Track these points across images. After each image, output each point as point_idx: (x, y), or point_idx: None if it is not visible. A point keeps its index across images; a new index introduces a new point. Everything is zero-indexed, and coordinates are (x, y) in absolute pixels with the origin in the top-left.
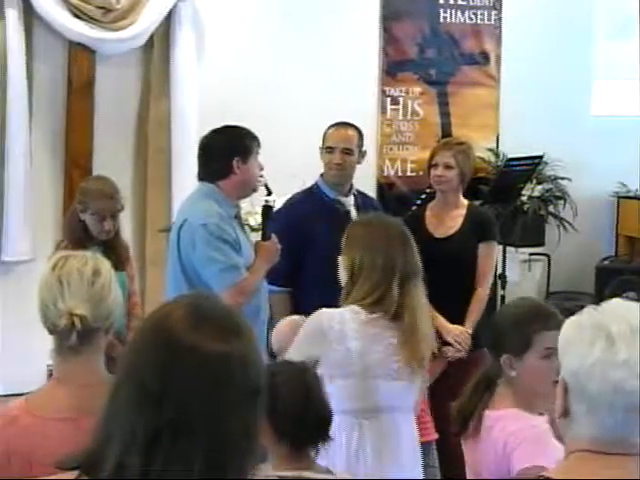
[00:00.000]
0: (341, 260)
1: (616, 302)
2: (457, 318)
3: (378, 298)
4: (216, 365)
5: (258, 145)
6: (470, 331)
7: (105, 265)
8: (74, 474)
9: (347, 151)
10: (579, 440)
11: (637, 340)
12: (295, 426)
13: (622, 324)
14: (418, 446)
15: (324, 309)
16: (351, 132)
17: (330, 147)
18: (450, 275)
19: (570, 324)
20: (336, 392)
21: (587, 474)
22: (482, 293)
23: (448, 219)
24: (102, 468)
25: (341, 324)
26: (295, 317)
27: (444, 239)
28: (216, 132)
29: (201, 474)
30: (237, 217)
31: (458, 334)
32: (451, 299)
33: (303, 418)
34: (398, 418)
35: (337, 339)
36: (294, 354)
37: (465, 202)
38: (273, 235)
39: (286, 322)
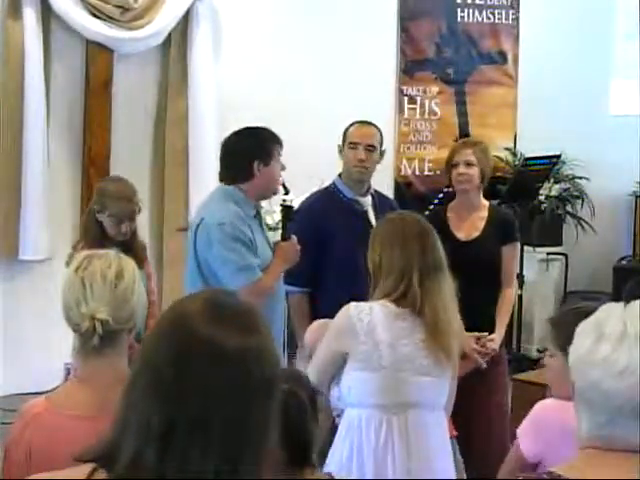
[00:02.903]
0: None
1: (636, 304)
2: (483, 320)
3: (402, 293)
4: (232, 359)
5: (281, 147)
6: (500, 339)
7: (129, 265)
8: (90, 467)
9: (370, 148)
10: (581, 435)
11: (626, 342)
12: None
13: (618, 325)
14: (449, 445)
15: (353, 302)
16: (373, 130)
17: (354, 143)
18: (475, 278)
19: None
20: (364, 386)
21: (591, 471)
22: (509, 295)
23: (470, 221)
24: (118, 460)
25: (370, 316)
26: (327, 320)
27: (468, 242)
28: (239, 134)
29: (216, 467)
30: (257, 217)
31: (476, 347)
32: (476, 301)
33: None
34: (426, 415)
35: (366, 332)
36: (323, 349)
37: (486, 203)
38: (293, 236)
39: (319, 323)
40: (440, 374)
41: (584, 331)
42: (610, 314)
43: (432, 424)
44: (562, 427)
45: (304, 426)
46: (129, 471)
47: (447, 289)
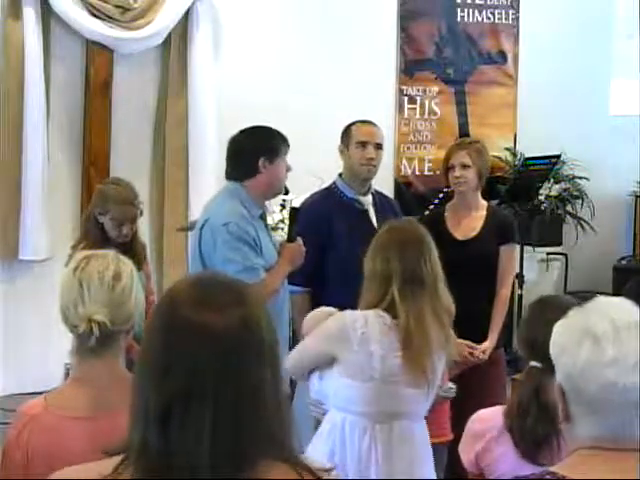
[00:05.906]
0: None
1: (600, 300)
2: (479, 320)
3: (389, 303)
4: (216, 336)
5: (287, 146)
6: (492, 346)
7: (127, 267)
8: (115, 460)
9: (379, 146)
10: (581, 441)
11: (622, 336)
12: None
13: (605, 323)
14: (430, 453)
15: (348, 311)
16: (379, 128)
17: (363, 142)
18: (472, 277)
19: (559, 328)
20: (351, 393)
21: (588, 469)
22: (504, 296)
23: (468, 220)
24: (131, 448)
25: (364, 327)
26: (331, 309)
27: (465, 241)
28: (245, 132)
29: (213, 437)
30: (262, 218)
31: (466, 359)
32: (473, 301)
33: None
34: (411, 425)
35: (359, 342)
36: (310, 344)
37: (484, 203)
38: (298, 237)
39: (321, 311)
40: (423, 385)
41: (571, 338)
42: (589, 315)
43: (416, 434)
44: (491, 429)
45: None
46: (140, 458)
47: (427, 302)
